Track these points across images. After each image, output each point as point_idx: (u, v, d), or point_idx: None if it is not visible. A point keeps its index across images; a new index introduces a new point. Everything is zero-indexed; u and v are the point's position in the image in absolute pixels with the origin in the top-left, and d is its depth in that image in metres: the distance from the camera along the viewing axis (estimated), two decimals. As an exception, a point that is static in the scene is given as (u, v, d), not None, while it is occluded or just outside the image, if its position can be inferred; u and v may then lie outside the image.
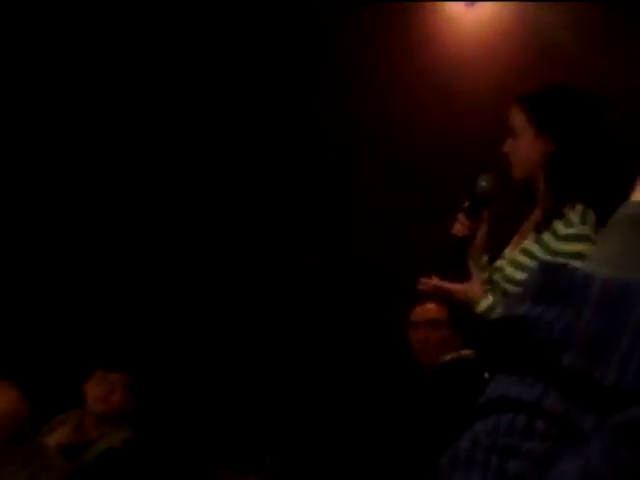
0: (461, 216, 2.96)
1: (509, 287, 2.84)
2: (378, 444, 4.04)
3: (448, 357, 4.07)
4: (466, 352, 4.08)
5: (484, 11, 4.50)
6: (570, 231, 2.74)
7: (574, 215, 2.76)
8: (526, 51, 4.39)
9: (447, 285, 2.85)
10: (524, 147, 2.87)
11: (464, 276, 3.03)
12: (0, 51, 4.75)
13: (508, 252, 2.95)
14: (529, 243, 2.83)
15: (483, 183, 2.94)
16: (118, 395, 3.91)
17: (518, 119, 2.88)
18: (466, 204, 2.96)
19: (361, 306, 4.53)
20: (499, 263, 2.96)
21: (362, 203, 4.60)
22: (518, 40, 4.42)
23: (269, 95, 4.73)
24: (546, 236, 2.79)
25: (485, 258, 3.03)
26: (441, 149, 4.48)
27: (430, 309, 4.15)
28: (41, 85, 4.77)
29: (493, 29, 4.47)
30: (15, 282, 4.63)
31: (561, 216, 2.78)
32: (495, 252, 3.04)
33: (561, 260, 2.71)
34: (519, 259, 2.84)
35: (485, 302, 2.80)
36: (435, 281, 2.86)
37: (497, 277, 2.92)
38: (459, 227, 2.95)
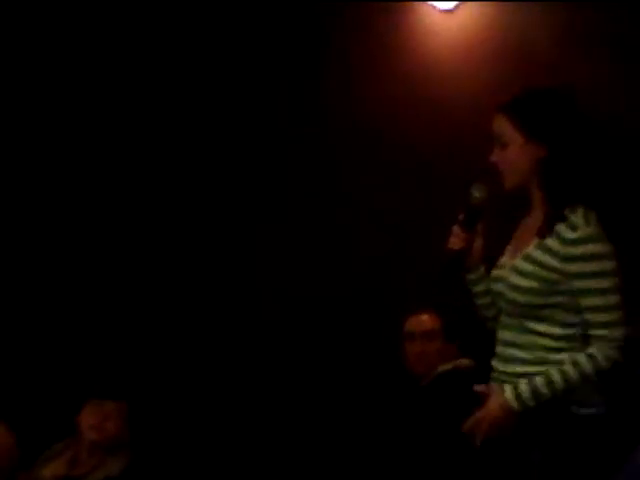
0: (456, 229, 2.94)
1: (514, 295, 2.81)
2: (381, 453, 4.01)
3: (446, 367, 4.03)
4: (463, 362, 4.06)
5: (467, 12, 4.47)
6: (577, 234, 2.73)
7: (576, 218, 2.75)
8: (510, 52, 4.38)
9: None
10: (514, 155, 2.85)
11: (461, 288, 3.01)
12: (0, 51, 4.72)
13: (507, 260, 2.91)
14: (532, 250, 2.81)
15: (476, 194, 2.93)
16: (113, 423, 3.88)
17: (504, 127, 2.85)
18: (461, 216, 2.94)
19: (360, 308, 4.51)
20: (497, 273, 2.94)
21: (362, 203, 4.58)
22: (501, 41, 4.40)
23: (267, 93, 4.71)
24: (550, 242, 2.77)
25: (482, 269, 3.01)
26: (433, 149, 4.49)
27: (425, 320, 4.12)
28: (40, 85, 4.71)
29: (476, 30, 4.45)
30: (4, 311, 4.57)
31: (563, 219, 2.76)
32: (489, 262, 3.01)
33: (577, 264, 2.69)
34: (523, 266, 2.81)
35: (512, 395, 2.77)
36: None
37: (499, 287, 2.90)
38: (455, 240, 2.94)
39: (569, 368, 2.72)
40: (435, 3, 4.53)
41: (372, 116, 4.58)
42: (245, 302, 4.64)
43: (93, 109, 4.77)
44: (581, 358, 2.72)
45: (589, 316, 2.73)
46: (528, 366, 2.80)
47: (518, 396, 2.74)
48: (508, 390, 2.76)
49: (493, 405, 2.78)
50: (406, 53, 4.56)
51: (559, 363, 2.75)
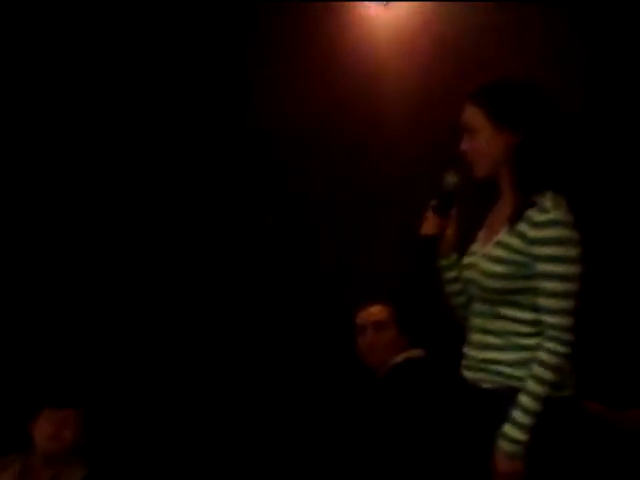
0: (429, 214, 2.93)
1: (486, 281, 2.83)
2: (340, 446, 4.00)
3: (399, 358, 4.02)
4: (416, 352, 4.05)
5: (401, 9, 4.47)
6: (546, 217, 2.75)
7: (547, 201, 2.78)
8: (444, 48, 4.40)
9: None
10: (484, 143, 2.87)
11: (434, 274, 3.01)
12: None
13: (479, 247, 2.92)
14: (504, 236, 2.83)
15: (450, 179, 2.94)
16: (70, 432, 3.75)
17: (474, 115, 2.87)
18: (434, 202, 2.94)
19: (316, 303, 4.48)
20: (469, 259, 2.96)
21: (311, 200, 4.54)
22: (436, 37, 4.42)
23: (198, 94, 4.64)
24: (521, 226, 2.80)
25: (454, 256, 3.01)
26: (372, 146, 4.46)
27: (375, 312, 4.12)
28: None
29: (409, 29, 4.45)
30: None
31: (533, 205, 2.78)
32: (460, 249, 3.02)
33: (540, 247, 2.69)
34: (495, 253, 2.84)
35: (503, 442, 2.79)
36: None
37: (470, 274, 2.91)
38: (429, 225, 2.93)
39: (532, 384, 2.73)
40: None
41: (309, 114, 4.56)
42: (202, 304, 4.58)
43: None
44: (537, 369, 2.73)
45: (542, 301, 2.75)
46: (501, 352, 2.83)
47: (508, 438, 2.74)
48: (499, 440, 2.76)
49: (499, 463, 2.77)
50: (341, 45, 4.54)
51: (532, 348, 2.77)
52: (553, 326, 2.72)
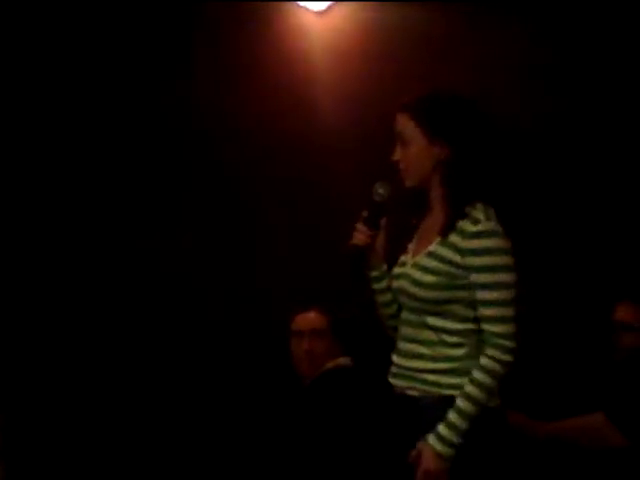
0: (360, 225, 2.96)
1: (416, 291, 2.87)
2: (265, 452, 3.99)
3: (329, 366, 4.03)
4: (343, 360, 4.06)
5: (338, 14, 4.52)
6: (477, 228, 2.79)
7: (477, 212, 2.82)
8: (380, 54, 4.44)
9: None
10: (416, 154, 2.90)
11: (364, 285, 3.01)
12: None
13: (409, 258, 2.95)
14: (435, 246, 2.87)
15: (381, 190, 2.97)
16: (-11, 434, 3.70)
17: (407, 126, 2.90)
18: (365, 213, 2.96)
19: (247, 308, 4.50)
20: (399, 270, 2.99)
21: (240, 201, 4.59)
22: (372, 43, 4.46)
23: (132, 95, 4.64)
24: (453, 237, 2.84)
25: (384, 266, 3.03)
26: (304, 152, 4.50)
27: (313, 318, 4.10)
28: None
29: (347, 32, 4.50)
30: None
31: (464, 216, 2.83)
32: (390, 259, 3.03)
33: (474, 258, 2.75)
34: (426, 263, 2.87)
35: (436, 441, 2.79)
36: None
37: (400, 283, 2.94)
38: (360, 236, 2.96)
39: (472, 389, 2.77)
40: (307, 4, 4.53)
41: (242, 117, 4.56)
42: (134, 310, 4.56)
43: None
44: (478, 375, 2.77)
45: (482, 310, 2.80)
46: (428, 362, 2.86)
47: (442, 439, 2.77)
48: (431, 439, 2.78)
49: (427, 461, 2.78)
50: (276, 55, 4.56)
51: (459, 359, 2.81)
52: (496, 334, 2.76)
